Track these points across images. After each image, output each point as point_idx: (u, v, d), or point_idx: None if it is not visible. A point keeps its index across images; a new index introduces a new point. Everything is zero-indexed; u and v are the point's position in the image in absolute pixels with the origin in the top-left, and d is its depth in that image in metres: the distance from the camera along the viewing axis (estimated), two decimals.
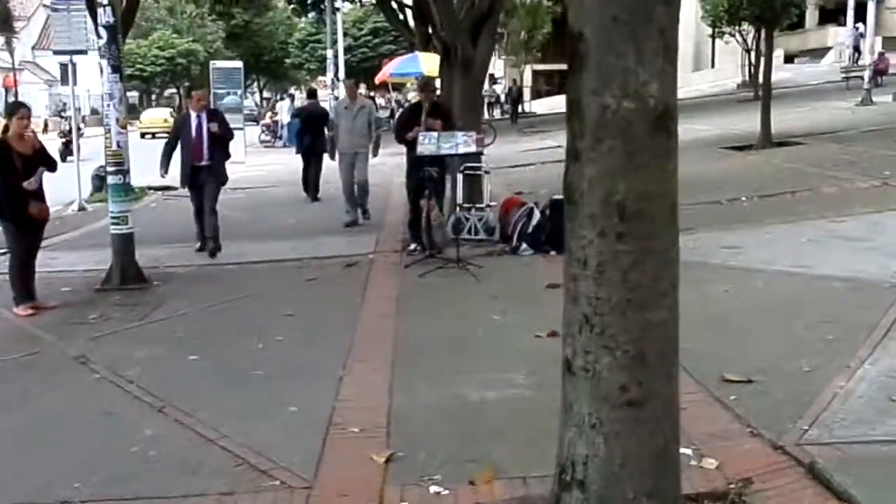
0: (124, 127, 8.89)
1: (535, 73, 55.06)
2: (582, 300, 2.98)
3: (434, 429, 4.74)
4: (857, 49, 36.88)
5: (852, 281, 7.26)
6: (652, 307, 2.90)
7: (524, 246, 9.51)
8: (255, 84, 72.64)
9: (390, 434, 4.72)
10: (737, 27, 33.35)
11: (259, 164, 24.06)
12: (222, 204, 10.96)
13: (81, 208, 15.54)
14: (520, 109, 42.04)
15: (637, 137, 2.82)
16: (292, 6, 41.22)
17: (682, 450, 3.49)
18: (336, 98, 33.55)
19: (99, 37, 8.79)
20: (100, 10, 8.57)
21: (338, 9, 34.53)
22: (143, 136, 40.51)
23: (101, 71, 8.74)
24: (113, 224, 8.92)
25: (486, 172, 10.56)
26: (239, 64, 26.82)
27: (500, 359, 5.93)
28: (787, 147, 16.92)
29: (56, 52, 16.26)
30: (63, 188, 13.99)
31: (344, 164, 12.25)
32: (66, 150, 23.30)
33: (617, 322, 2.89)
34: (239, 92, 25.20)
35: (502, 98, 39.69)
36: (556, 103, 47.32)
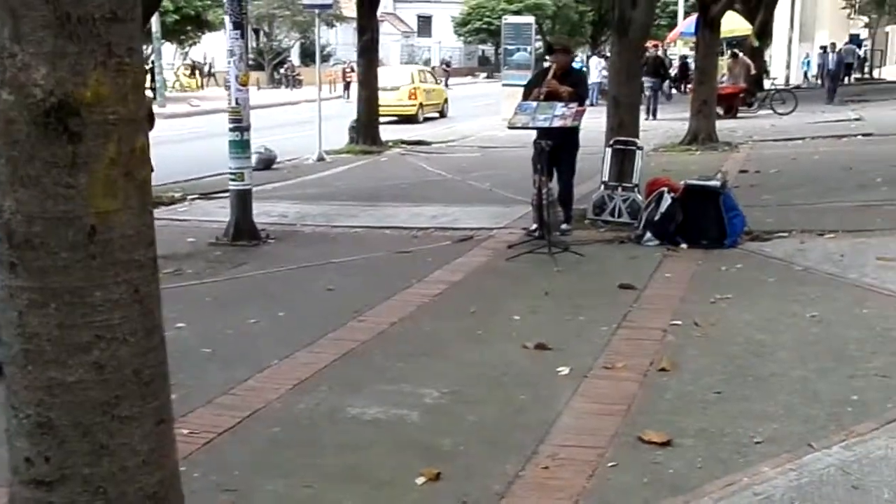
0: (245, 84, 8.93)
1: None
2: None
3: (262, 446, 4.20)
4: None
5: None
6: (61, 365, 2.20)
7: (648, 235, 8.28)
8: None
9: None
10: None
11: None
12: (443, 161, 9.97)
13: (320, 158, 16.08)
14: (857, 76, 35.98)
15: (21, 140, 2.13)
16: None
17: None
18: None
19: None
20: None
21: None
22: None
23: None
24: (231, 180, 9.02)
25: (640, 148, 9.34)
26: (530, 19, 26.36)
27: (448, 369, 5.20)
28: None
29: (306, 7, 16.95)
30: None
31: None
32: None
33: (18, 378, 2.24)
34: (529, 48, 24.79)
35: (830, 67, 28.05)
36: None
